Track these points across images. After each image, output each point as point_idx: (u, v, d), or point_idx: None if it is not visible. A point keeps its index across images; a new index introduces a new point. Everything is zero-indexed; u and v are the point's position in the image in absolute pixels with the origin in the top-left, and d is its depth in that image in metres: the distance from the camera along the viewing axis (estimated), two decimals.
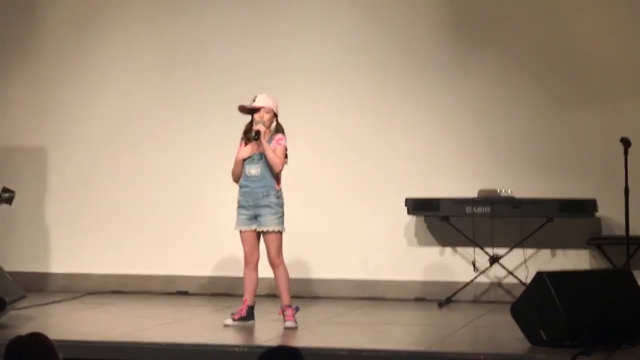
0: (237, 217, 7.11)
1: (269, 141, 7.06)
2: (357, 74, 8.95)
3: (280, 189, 7.10)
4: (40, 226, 9.40)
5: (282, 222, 7.06)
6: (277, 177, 7.09)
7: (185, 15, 9.25)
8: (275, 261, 7.04)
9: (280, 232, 7.05)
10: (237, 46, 9.13)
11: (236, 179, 7.15)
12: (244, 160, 7.09)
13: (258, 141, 7.00)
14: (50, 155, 9.43)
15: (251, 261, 7.10)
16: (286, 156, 7.10)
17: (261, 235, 7.09)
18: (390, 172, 8.84)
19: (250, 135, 7.06)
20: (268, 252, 7.06)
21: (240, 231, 7.10)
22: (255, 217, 7.06)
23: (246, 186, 7.09)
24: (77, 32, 9.42)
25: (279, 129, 7.13)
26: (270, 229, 7.02)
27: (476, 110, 8.76)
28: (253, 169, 7.07)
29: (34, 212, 9.38)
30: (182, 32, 9.25)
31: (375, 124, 8.92)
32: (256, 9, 9.13)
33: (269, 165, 7.03)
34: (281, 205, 7.08)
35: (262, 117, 7.07)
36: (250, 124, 7.11)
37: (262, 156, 7.05)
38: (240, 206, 7.11)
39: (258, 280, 7.18)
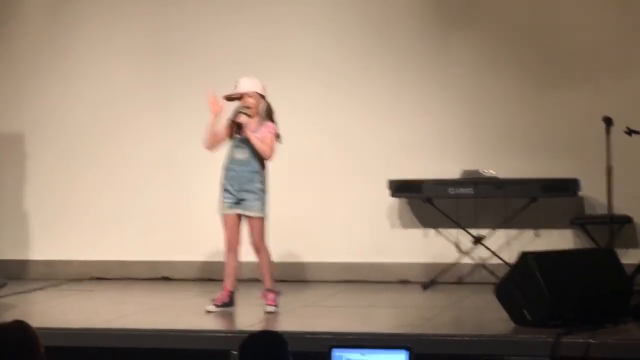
0: (222, 201, 7.07)
1: (257, 129, 7.00)
2: (338, 60, 8.90)
3: (264, 175, 7.07)
4: (20, 213, 9.33)
5: (265, 208, 7.04)
6: (262, 163, 7.05)
7: (169, 2, 9.16)
8: (259, 245, 7.03)
9: (262, 218, 7.02)
10: (220, 32, 9.07)
11: (207, 144, 7.06)
12: (232, 142, 7.03)
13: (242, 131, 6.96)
14: (29, 142, 9.35)
15: (232, 246, 7.08)
16: (278, 136, 7.03)
17: (242, 220, 7.05)
18: (373, 155, 8.81)
19: (234, 128, 6.99)
20: (251, 237, 7.06)
21: (224, 215, 7.07)
22: (238, 202, 7.03)
23: (232, 170, 7.06)
24: (54, 18, 9.33)
25: (269, 113, 7.06)
26: (255, 214, 7.00)
27: (458, 91, 8.74)
28: (240, 154, 7.03)
29: (13, 199, 9.31)
30: (163, 16, 9.18)
31: (357, 108, 8.88)
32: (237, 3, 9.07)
33: (256, 150, 6.99)
34: (264, 191, 7.07)
35: (245, 102, 7.02)
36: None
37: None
38: (224, 190, 7.07)
39: (239, 266, 7.15)
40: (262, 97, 7.10)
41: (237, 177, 7.03)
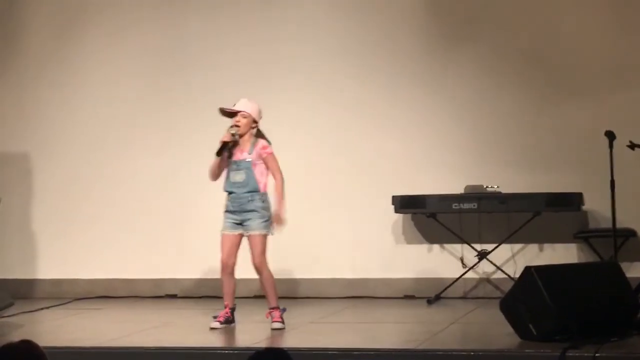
0: (224, 221, 7.12)
1: (250, 149, 7.08)
2: (341, 76, 8.94)
3: (266, 193, 7.12)
4: (26, 232, 9.36)
5: (268, 225, 7.07)
6: (262, 182, 7.09)
7: (172, 18, 9.22)
8: (259, 264, 7.05)
9: (264, 236, 7.06)
10: (224, 50, 9.11)
11: (212, 177, 7.13)
12: (229, 165, 7.09)
13: (224, 152, 7.01)
14: (35, 161, 9.39)
15: (228, 265, 7.12)
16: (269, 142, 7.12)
17: (242, 240, 7.09)
18: (376, 171, 8.83)
19: (219, 149, 7.05)
20: (252, 255, 7.08)
21: (222, 234, 7.10)
22: (241, 223, 7.07)
23: (232, 192, 7.12)
24: (59, 37, 9.39)
25: (259, 135, 7.13)
26: (256, 232, 7.03)
27: (461, 107, 8.77)
28: (238, 176, 7.09)
29: (20, 218, 9.34)
30: (168, 35, 9.23)
31: (359, 124, 8.91)
32: (244, 13, 9.11)
33: (253, 171, 7.04)
34: (267, 209, 7.09)
35: (237, 121, 7.09)
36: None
37: (246, 163, 7.06)
38: (227, 211, 7.13)
39: (236, 283, 7.18)
40: (255, 122, 7.14)
41: (238, 199, 7.09)
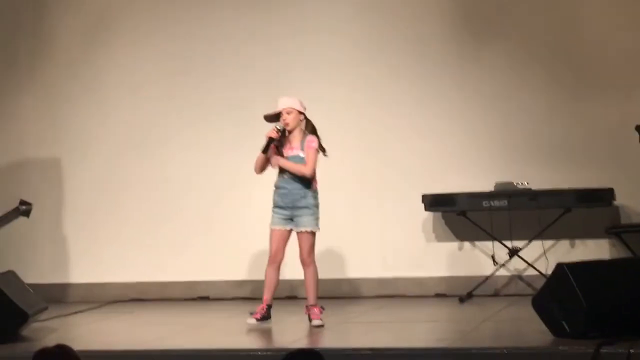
0: (273, 216, 7.12)
1: (302, 145, 7.07)
2: (369, 73, 8.94)
3: (317, 190, 7.12)
4: (58, 237, 9.42)
5: (318, 222, 7.10)
6: (313, 178, 7.09)
7: (192, 23, 9.24)
8: (307, 260, 7.08)
9: (314, 233, 7.08)
10: (249, 48, 9.13)
11: (257, 170, 7.14)
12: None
13: (272, 147, 7.01)
14: (66, 166, 9.45)
15: (275, 261, 7.12)
16: (324, 150, 7.12)
17: (292, 235, 7.10)
18: (406, 170, 8.83)
19: (264, 146, 7.06)
20: (301, 251, 7.09)
21: (272, 229, 7.10)
22: (291, 219, 7.08)
23: (283, 187, 7.11)
24: (87, 43, 9.44)
25: (312, 129, 7.13)
26: (307, 229, 7.05)
27: (489, 104, 8.75)
28: (289, 171, 7.08)
29: (52, 223, 9.40)
30: (191, 37, 9.26)
31: (388, 122, 8.91)
32: (261, 13, 9.13)
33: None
34: (317, 206, 7.12)
35: (284, 120, 7.08)
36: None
37: (298, 158, 7.07)
38: (276, 206, 7.12)
39: (279, 281, 7.19)
40: (302, 113, 7.14)
41: (289, 194, 7.08)
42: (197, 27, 9.26)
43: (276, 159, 7.08)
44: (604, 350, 5.55)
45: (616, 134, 8.39)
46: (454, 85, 8.81)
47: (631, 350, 5.51)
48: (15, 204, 8.83)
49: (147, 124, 9.32)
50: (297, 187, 7.06)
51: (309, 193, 7.07)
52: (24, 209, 8.75)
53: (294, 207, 7.06)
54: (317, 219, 7.08)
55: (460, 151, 8.77)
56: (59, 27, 9.51)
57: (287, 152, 7.10)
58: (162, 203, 9.24)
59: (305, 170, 7.06)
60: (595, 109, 8.56)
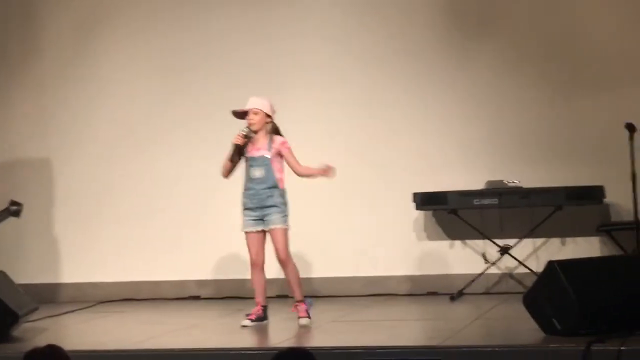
0: (244, 219, 7.15)
1: (269, 146, 7.09)
2: (358, 72, 8.95)
3: (284, 189, 7.14)
4: (49, 237, 9.41)
5: (287, 219, 7.10)
6: (280, 178, 7.12)
7: (187, 20, 9.25)
8: (284, 258, 7.08)
9: (286, 230, 7.09)
10: (239, 49, 9.14)
11: (224, 174, 7.17)
12: (247, 161, 7.11)
13: (237, 155, 7.04)
14: (56, 166, 9.44)
15: (257, 263, 7.14)
16: None
17: (266, 236, 7.11)
18: (397, 168, 8.84)
19: (231, 152, 7.08)
20: (276, 250, 7.10)
21: (246, 233, 7.13)
22: (261, 219, 7.10)
23: (251, 188, 7.14)
24: (78, 41, 9.43)
25: (276, 131, 7.15)
26: (277, 226, 7.06)
27: (479, 102, 8.76)
28: (257, 171, 7.11)
29: (42, 223, 9.39)
30: (183, 37, 9.25)
31: (379, 121, 8.92)
32: (257, 12, 9.13)
33: (272, 167, 7.06)
34: (285, 204, 7.13)
35: (250, 119, 7.11)
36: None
37: (265, 159, 7.07)
38: (246, 208, 7.16)
39: (266, 281, 7.21)
40: (269, 116, 7.16)
41: (257, 195, 7.11)
42: (190, 24, 9.26)
43: (307, 169, 7.08)
44: (594, 347, 5.56)
45: (606, 132, 8.40)
46: (444, 84, 8.82)
47: (622, 348, 5.52)
48: (5, 204, 8.81)
49: (138, 123, 9.31)
50: (263, 187, 7.09)
51: (276, 192, 7.10)
52: (14, 209, 8.73)
53: (262, 207, 7.08)
54: (285, 216, 7.11)
55: (451, 150, 8.78)
56: (49, 24, 9.49)
57: (252, 152, 7.12)
58: (153, 202, 9.23)
59: (301, 169, 7.11)
60: (585, 107, 8.58)
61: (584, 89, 8.60)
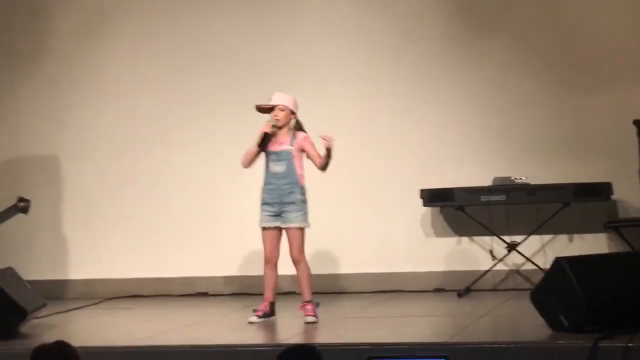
0: (261, 214, 7.13)
1: (292, 141, 7.09)
2: (365, 68, 8.95)
3: (304, 186, 7.13)
4: (57, 234, 9.43)
5: (306, 218, 7.10)
6: (301, 174, 7.11)
7: (194, 19, 9.25)
8: (298, 257, 7.07)
9: (303, 229, 7.08)
10: (247, 46, 9.14)
11: (245, 164, 7.14)
12: (268, 155, 7.10)
13: (266, 142, 7.03)
14: (64, 163, 9.46)
15: (271, 259, 7.13)
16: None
17: (283, 232, 7.10)
18: (404, 165, 8.83)
19: (259, 141, 7.07)
20: (291, 249, 7.09)
21: (263, 228, 7.11)
22: (279, 214, 7.08)
23: (271, 183, 7.11)
24: (85, 40, 9.44)
25: (299, 127, 7.15)
26: (295, 225, 7.05)
27: (487, 98, 8.75)
28: (278, 167, 7.10)
29: (50, 220, 9.41)
30: (190, 35, 9.26)
31: (385, 117, 8.91)
32: (261, 11, 9.13)
33: (293, 163, 7.06)
34: (305, 202, 7.12)
35: (276, 116, 7.10)
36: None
37: (287, 154, 7.07)
38: (264, 203, 7.12)
39: (278, 278, 7.21)
40: (293, 113, 7.17)
41: (277, 190, 7.09)
42: (195, 25, 9.26)
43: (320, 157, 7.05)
44: (601, 344, 5.56)
45: (614, 129, 8.39)
46: (452, 80, 8.81)
47: (629, 344, 5.52)
48: (13, 200, 8.83)
49: (145, 121, 9.32)
50: (284, 182, 7.08)
51: (297, 188, 7.09)
52: (22, 206, 8.76)
53: (281, 203, 7.07)
54: (305, 214, 7.09)
55: (458, 146, 8.78)
56: (57, 23, 9.50)
57: (274, 147, 7.12)
58: (160, 199, 9.24)
59: (321, 161, 7.08)
60: (593, 104, 8.56)
61: (592, 85, 8.58)
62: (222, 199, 9.08)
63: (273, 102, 7.15)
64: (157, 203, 9.25)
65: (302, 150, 7.13)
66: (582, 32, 8.61)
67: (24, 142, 9.52)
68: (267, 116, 7.20)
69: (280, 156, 7.10)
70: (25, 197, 8.80)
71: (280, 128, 7.13)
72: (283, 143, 7.13)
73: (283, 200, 7.07)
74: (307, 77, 8.93)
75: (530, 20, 8.71)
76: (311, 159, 7.13)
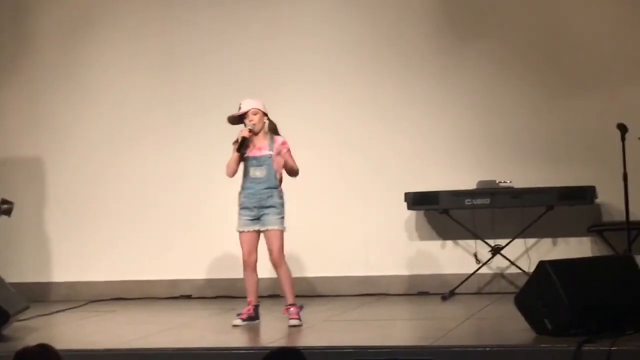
0: (240, 218, 7.13)
1: (270, 145, 7.10)
2: (351, 71, 8.95)
3: (282, 190, 7.14)
4: (40, 236, 9.39)
5: (284, 221, 7.10)
6: (279, 178, 7.12)
7: (179, 17, 9.24)
8: (278, 260, 7.07)
9: (282, 231, 7.08)
10: (232, 46, 9.13)
11: (230, 174, 7.15)
12: (248, 161, 7.10)
13: (246, 147, 7.04)
14: (47, 164, 9.42)
15: (250, 263, 7.13)
16: None
17: (261, 236, 7.11)
18: (389, 168, 8.84)
19: (236, 146, 7.08)
20: (270, 252, 7.08)
21: (241, 232, 7.12)
22: (258, 218, 7.09)
23: (250, 188, 7.12)
24: (69, 39, 9.42)
25: (274, 129, 7.16)
26: (274, 227, 7.05)
27: (472, 102, 8.77)
28: (258, 171, 7.10)
29: (33, 222, 9.37)
30: (175, 34, 9.25)
31: (371, 121, 8.92)
32: (251, 9, 9.12)
33: (273, 167, 7.06)
34: (283, 205, 7.12)
35: (251, 120, 7.12)
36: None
37: (267, 158, 7.07)
38: (243, 207, 7.13)
39: (258, 280, 7.21)
40: (265, 114, 7.18)
41: (257, 195, 7.09)
42: (181, 23, 9.25)
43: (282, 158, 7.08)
44: (585, 347, 5.58)
45: (598, 133, 8.42)
46: (436, 83, 8.82)
47: (612, 348, 5.54)
48: None
49: (129, 121, 9.30)
50: (263, 187, 7.08)
51: (275, 192, 7.10)
52: (5, 208, 8.71)
53: (260, 207, 7.07)
54: (283, 217, 7.10)
55: (442, 150, 8.79)
56: (41, 21, 9.47)
57: (253, 152, 7.12)
58: (144, 201, 9.22)
59: (295, 167, 7.11)
60: (577, 108, 8.59)
61: (576, 89, 8.61)
62: (204, 202, 9.06)
63: (244, 109, 7.16)
64: (141, 205, 9.22)
65: (282, 154, 7.13)
66: (567, 37, 8.63)
67: (6, 143, 9.49)
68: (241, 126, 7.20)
69: (260, 161, 7.11)
70: (8, 199, 8.75)
71: (256, 133, 7.14)
72: (262, 148, 7.14)
73: (262, 205, 7.08)
74: (293, 79, 8.93)
75: (514, 26, 8.73)
76: (286, 166, 7.12)
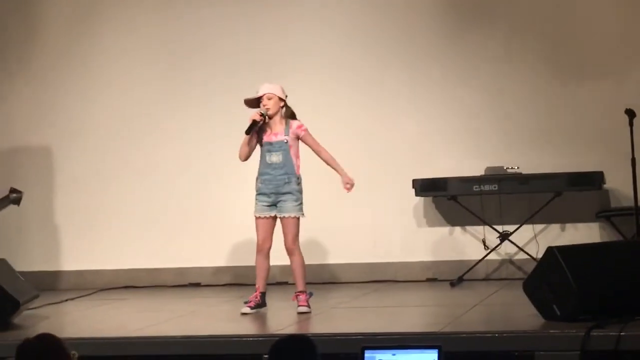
0: (257, 204, 7.10)
1: (286, 130, 7.07)
2: (358, 58, 8.94)
3: (300, 176, 7.11)
4: (49, 225, 9.41)
5: (302, 208, 7.09)
6: (297, 164, 7.10)
7: (185, 6, 9.24)
8: (292, 247, 7.05)
9: (298, 218, 7.07)
10: (239, 36, 9.13)
11: (242, 157, 7.14)
12: (264, 146, 7.08)
13: (255, 129, 7.02)
14: (56, 153, 9.44)
15: (263, 248, 7.11)
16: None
17: (277, 222, 7.09)
18: (396, 155, 8.84)
19: (247, 128, 7.05)
20: (285, 238, 7.07)
21: (257, 218, 7.10)
22: (275, 204, 7.07)
23: (267, 174, 7.09)
24: (77, 29, 9.42)
25: (292, 115, 7.14)
26: (291, 214, 7.04)
27: (480, 88, 8.75)
28: (274, 157, 7.08)
29: (42, 211, 9.39)
30: (182, 23, 9.24)
31: (378, 107, 8.91)
32: (258, 1, 9.11)
33: (289, 153, 7.04)
34: (301, 192, 7.10)
35: (265, 105, 7.08)
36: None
37: (283, 144, 7.06)
38: (260, 193, 7.10)
39: (269, 268, 7.20)
40: (282, 100, 7.15)
41: (273, 180, 7.07)
42: (187, 15, 9.24)
43: (333, 160, 7.14)
44: (594, 333, 5.57)
45: (606, 118, 8.40)
46: (444, 69, 8.81)
47: (621, 333, 5.53)
48: (5, 192, 8.81)
49: (137, 112, 9.30)
50: (280, 173, 7.06)
51: (293, 178, 7.07)
52: (14, 197, 8.74)
53: (277, 193, 7.05)
54: (300, 204, 7.07)
55: (450, 136, 8.78)
56: (49, 13, 9.48)
57: (269, 138, 7.10)
58: (153, 190, 9.23)
59: (328, 152, 7.13)
60: (585, 93, 8.58)
61: (583, 74, 8.59)
62: (214, 190, 9.07)
63: (260, 93, 7.14)
64: (149, 194, 9.24)
65: (298, 138, 7.11)
66: (576, 22, 8.61)
67: (16, 133, 9.50)
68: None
69: (276, 147, 7.08)
70: (18, 188, 8.78)
71: (271, 117, 7.11)
72: (278, 133, 7.11)
73: (279, 191, 7.06)
74: (299, 68, 8.92)
75: (523, 13, 8.71)
76: (312, 147, 7.12)
